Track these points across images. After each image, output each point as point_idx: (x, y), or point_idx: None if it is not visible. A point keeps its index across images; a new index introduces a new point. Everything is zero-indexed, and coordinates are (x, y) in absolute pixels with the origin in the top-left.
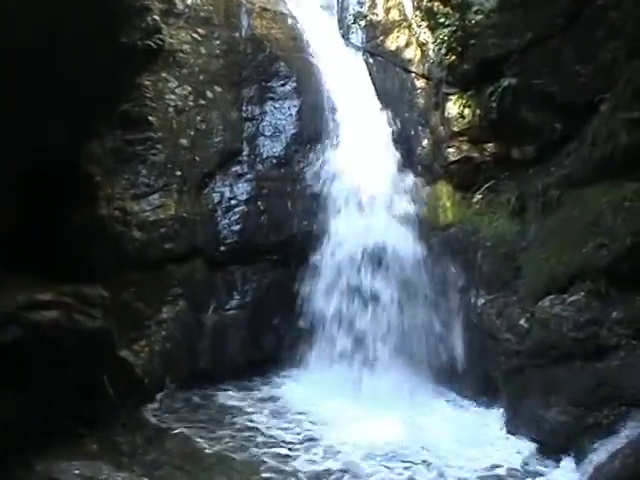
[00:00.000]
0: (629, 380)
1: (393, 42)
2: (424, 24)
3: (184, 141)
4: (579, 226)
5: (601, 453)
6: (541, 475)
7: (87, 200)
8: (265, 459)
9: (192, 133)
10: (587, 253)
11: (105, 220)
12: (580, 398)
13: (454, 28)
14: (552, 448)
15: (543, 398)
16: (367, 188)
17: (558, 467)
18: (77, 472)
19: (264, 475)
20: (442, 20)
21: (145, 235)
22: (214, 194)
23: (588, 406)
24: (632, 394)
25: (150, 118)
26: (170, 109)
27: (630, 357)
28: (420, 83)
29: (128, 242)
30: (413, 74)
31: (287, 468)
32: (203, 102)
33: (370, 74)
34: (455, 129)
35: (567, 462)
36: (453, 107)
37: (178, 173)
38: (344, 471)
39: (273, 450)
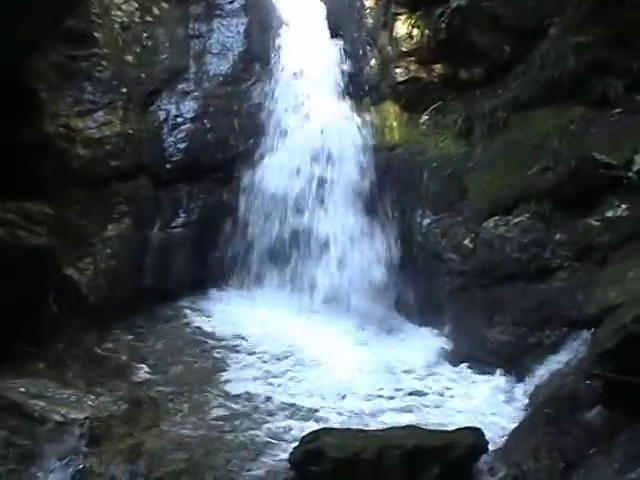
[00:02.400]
0: (571, 301)
1: None
2: None
3: (130, 58)
4: (525, 149)
5: (542, 372)
6: (482, 393)
7: (31, 117)
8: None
9: (138, 50)
10: (532, 175)
11: (49, 137)
12: (522, 318)
13: None
14: (494, 366)
15: (486, 317)
16: (314, 106)
17: (499, 386)
18: (23, 390)
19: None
20: None
21: (90, 152)
22: (160, 112)
23: (530, 326)
24: (573, 315)
25: (95, 34)
26: (116, 25)
27: (572, 279)
28: (369, 2)
29: (73, 159)
30: None
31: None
32: (150, 19)
33: None
34: (403, 49)
35: (508, 381)
36: (402, 27)
37: (124, 90)
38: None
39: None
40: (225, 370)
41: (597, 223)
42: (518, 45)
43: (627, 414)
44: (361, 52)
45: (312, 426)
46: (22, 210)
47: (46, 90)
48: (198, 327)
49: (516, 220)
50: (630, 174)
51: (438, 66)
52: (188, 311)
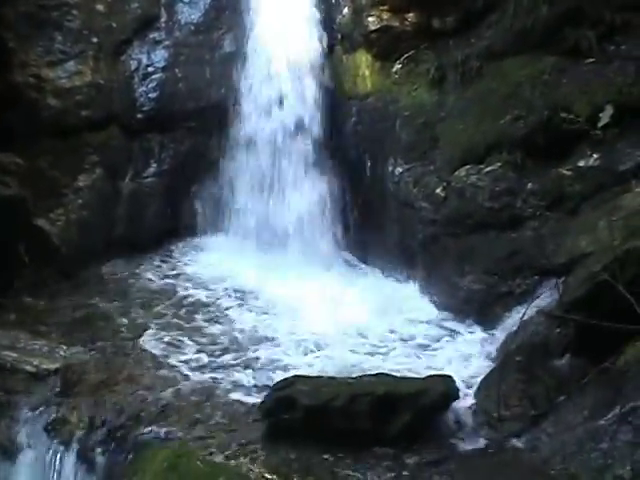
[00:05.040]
0: (542, 250)
1: None
2: None
3: (100, 7)
4: (497, 98)
5: (513, 320)
6: (454, 341)
7: (0, 66)
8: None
9: None
10: (504, 124)
11: (19, 87)
12: (494, 267)
13: None
14: (465, 315)
15: (458, 266)
16: (286, 56)
17: (471, 334)
18: None
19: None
20: None
21: (60, 102)
22: (131, 61)
23: (502, 275)
24: (544, 264)
25: None
26: None
27: (543, 228)
28: None
29: (43, 109)
30: None
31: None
32: None
33: None
34: None
35: (480, 329)
36: None
37: (94, 40)
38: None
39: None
40: (197, 314)
41: (569, 172)
42: None
43: (596, 362)
44: (334, 0)
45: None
46: None
47: (15, 40)
48: (167, 275)
49: (488, 169)
50: (596, 131)
51: (411, 15)
52: (158, 260)
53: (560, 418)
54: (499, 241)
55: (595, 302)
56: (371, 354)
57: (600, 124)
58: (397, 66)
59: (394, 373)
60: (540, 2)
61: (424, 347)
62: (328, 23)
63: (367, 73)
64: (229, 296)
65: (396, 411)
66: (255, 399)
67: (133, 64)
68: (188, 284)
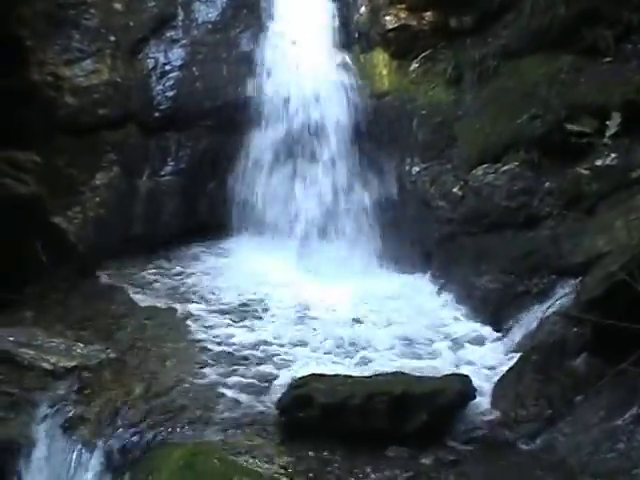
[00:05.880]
0: (559, 250)
1: None
2: None
3: (118, 5)
4: (514, 97)
5: (529, 320)
6: (470, 341)
7: (18, 65)
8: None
9: None
10: (521, 123)
11: (37, 85)
12: (511, 266)
13: None
14: (482, 315)
15: (474, 265)
16: (304, 55)
17: (487, 333)
18: (12, 339)
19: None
20: None
21: (78, 101)
22: (148, 60)
23: (518, 274)
24: (561, 264)
25: None
26: None
27: (560, 227)
28: None
29: (61, 108)
30: None
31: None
32: None
33: None
34: None
35: (496, 329)
36: None
37: (112, 38)
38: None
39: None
40: (216, 312)
41: (586, 172)
42: None
43: (613, 361)
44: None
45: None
46: (10, 159)
47: (32, 38)
48: (185, 274)
49: (505, 168)
50: (605, 140)
51: (428, 14)
52: (176, 258)
53: (576, 418)
54: (516, 240)
55: (612, 302)
56: (382, 355)
57: (608, 134)
58: (414, 65)
59: (410, 372)
60: (557, 1)
61: (441, 346)
62: (345, 22)
63: (384, 72)
64: (249, 295)
65: (412, 410)
66: (273, 397)
67: (150, 63)
68: (206, 283)
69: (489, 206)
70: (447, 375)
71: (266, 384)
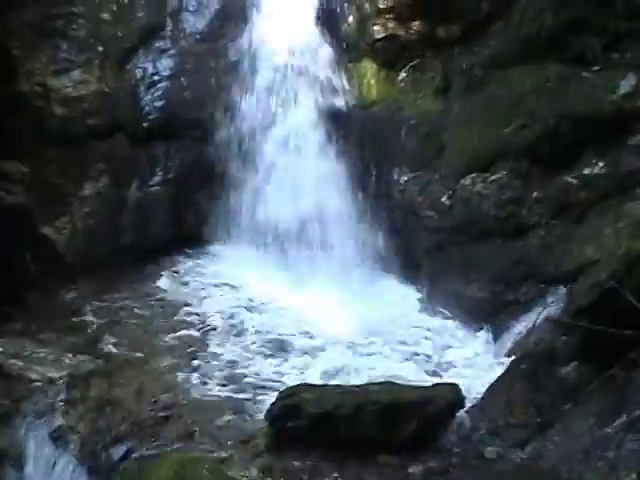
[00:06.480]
0: (548, 258)
1: None
2: None
3: (106, 16)
4: (502, 106)
5: (518, 328)
6: (459, 349)
7: (6, 75)
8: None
9: (114, 8)
10: (509, 133)
11: (25, 95)
12: (499, 275)
13: None
14: (471, 323)
15: (463, 274)
16: (291, 64)
17: (476, 342)
18: (0, 349)
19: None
20: None
21: (66, 111)
22: (137, 70)
23: (507, 283)
24: (550, 272)
25: None
26: None
27: (549, 236)
28: None
29: (49, 118)
30: None
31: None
32: None
33: None
34: (381, 6)
35: (485, 338)
36: None
37: (100, 48)
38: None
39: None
40: (205, 323)
41: (574, 180)
42: (496, 2)
43: (602, 369)
44: (339, 9)
45: None
46: None
47: (21, 48)
48: (175, 283)
49: (493, 177)
50: None
51: (416, 23)
52: (164, 269)
53: (566, 426)
54: (505, 249)
55: (601, 309)
56: (375, 360)
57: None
58: (402, 75)
59: (399, 381)
60: (545, 10)
61: (429, 355)
62: (333, 32)
63: (372, 82)
64: (237, 305)
65: (402, 419)
66: (262, 407)
67: (139, 73)
68: (195, 292)
69: (478, 215)
70: (436, 384)
71: (256, 395)
